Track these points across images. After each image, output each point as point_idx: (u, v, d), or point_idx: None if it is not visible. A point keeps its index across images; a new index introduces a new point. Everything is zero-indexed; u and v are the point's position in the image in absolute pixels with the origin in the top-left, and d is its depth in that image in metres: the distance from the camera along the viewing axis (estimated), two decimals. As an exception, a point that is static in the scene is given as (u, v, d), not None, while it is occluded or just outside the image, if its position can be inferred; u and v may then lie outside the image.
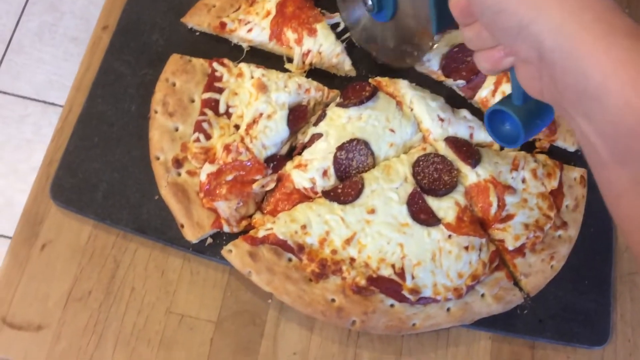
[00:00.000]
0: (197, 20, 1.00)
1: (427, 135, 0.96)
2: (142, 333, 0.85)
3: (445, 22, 0.76)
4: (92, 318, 0.85)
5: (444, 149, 0.94)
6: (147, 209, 0.88)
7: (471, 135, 0.96)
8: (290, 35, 0.99)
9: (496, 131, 0.75)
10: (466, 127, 0.96)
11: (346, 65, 1.00)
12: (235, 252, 0.86)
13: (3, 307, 0.84)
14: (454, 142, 0.94)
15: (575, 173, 0.97)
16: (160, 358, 0.84)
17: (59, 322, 0.84)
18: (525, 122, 0.69)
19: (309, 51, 0.99)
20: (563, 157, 0.99)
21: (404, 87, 0.97)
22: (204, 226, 0.87)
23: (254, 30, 0.99)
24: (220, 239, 0.88)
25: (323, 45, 0.98)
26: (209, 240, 0.88)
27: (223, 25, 0.99)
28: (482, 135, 0.96)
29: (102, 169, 0.90)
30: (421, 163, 0.92)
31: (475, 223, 0.90)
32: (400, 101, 0.97)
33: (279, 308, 0.88)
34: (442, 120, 0.95)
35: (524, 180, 0.93)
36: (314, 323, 0.88)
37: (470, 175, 0.91)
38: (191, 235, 0.87)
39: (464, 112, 0.97)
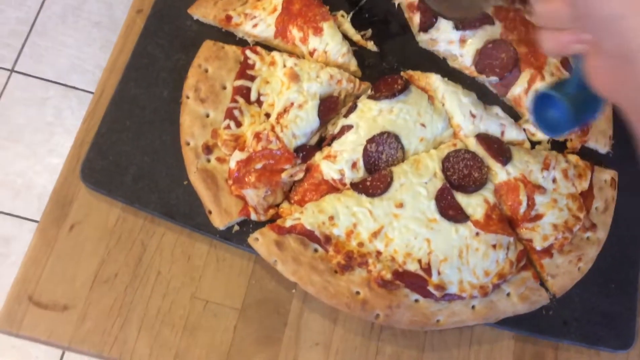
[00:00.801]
0: (203, 12, 0.99)
1: (457, 131, 0.95)
2: (167, 317, 0.85)
3: None
4: (118, 300, 0.85)
5: (474, 146, 0.93)
6: (176, 194, 0.89)
7: (502, 133, 0.95)
8: (295, 33, 0.97)
9: (540, 116, 0.71)
10: (498, 124, 0.95)
11: (352, 66, 0.99)
12: (261, 241, 0.86)
13: (30, 286, 0.84)
14: (484, 139, 0.93)
15: (606, 175, 0.96)
16: (183, 342, 0.84)
17: (84, 303, 0.84)
18: (575, 111, 0.66)
19: (314, 50, 0.98)
20: (594, 159, 0.97)
21: (436, 82, 0.96)
22: (231, 213, 0.87)
23: (259, 25, 0.98)
24: (247, 227, 0.88)
25: (329, 44, 0.97)
26: (236, 228, 0.88)
27: (229, 18, 0.98)
28: (513, 133, 0.95)
29: (133, 153, 0.90)
30: (451, 159, 0.91)
31: (504, 221, 0.90)
32: (432, 96, 0.96)
33: (303, 298, 0.88)
34: (473, 116, 0.94)
35: (554, 180, 0.92)
36: (338, 315, 0.88)
37: (501, 174, 0.91)
38: (219, 221, 0.87)
39: (496, 109, 0.96)
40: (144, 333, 0.84)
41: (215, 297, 0.87)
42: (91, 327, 0.83)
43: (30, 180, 2.30)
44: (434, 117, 0.94)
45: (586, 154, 0.98)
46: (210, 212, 0.87)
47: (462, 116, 0.94)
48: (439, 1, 0.92)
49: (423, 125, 0.93)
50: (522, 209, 0.90)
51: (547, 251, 0.90)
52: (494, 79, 0.99)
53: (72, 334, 0.83)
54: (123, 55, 0.96)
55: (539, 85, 0.95)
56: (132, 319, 0.84)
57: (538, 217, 0.90)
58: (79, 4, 2.57)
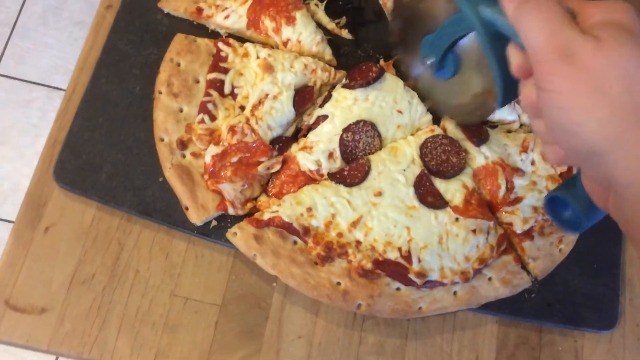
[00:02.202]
0: (174, 5, 0.97)
1: None
2: (147, 316, 0.84)
3: (512, 95, 0.67)
4: (96, 301, 0.84)
5: (453, 129, 0.92)
6: (152, 191, 0.88)
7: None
8: (268, 23, 0.96)
9: (557, 217, 0.69)
10: None
11: (326, 55, 0.97)
12: (240, 235, 0.85)
13: (6, 290, 0.83)
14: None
15: None
16: (164, 341, 0.83)
17: (62, 305, 0.83)
18: (587, 210, 0.64)
19: (288, 40, 0.96)
20: None
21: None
22: (208, 208, 0.86)
23: (230, 17, 0.96)
24: (225, 221, 0.87)
25: (303, 33, 0.95)
26: (214, 223, 0.87)
27: (200, 10, 0.96)
28: (504, 112, 0.95)
29: (106, 151, 0.89)
30: (429, 144, 0.90)
31: (483, 206, 0.89)
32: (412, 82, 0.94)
33: (284, 291, 0.87)
34: None
35: (533, 163, 0.91)
36: (320, 307, 0.87)
37: (478, 157, 0.90)
38: (196, 217, 0.86)
39: None
40: (124, 333, 0.83)
41: (195, 293, 0.86)
42: (70, 329, 0.83)
43: (18, 183, 2.28)
44: (412, 103, 0.93)
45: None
46: (187, 208, 0.87)
47: None
48: (445, 109, 0.92)
49: (400, 112, 0.93)
50: (502, 192, 0.89)
51: (528, 234, 0.89)
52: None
53: (50, 337, 0.82)
54: (93, 52, 0.95)
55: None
56: (111, 319, 0.84)
57: (517, 200, 0.90)
58: (59, 3, 2.54)
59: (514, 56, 0.58)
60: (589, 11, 0.51)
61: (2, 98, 2.43)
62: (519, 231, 0.89)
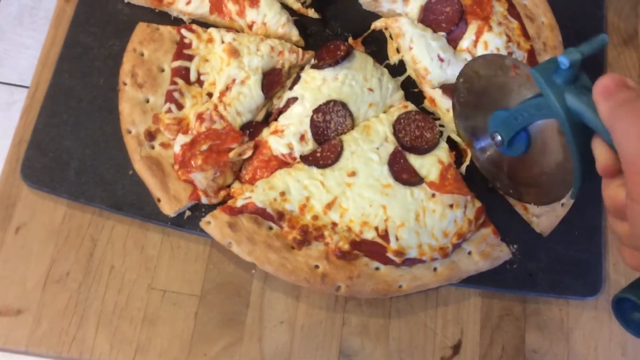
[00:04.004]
0: None
1: (424, 75, 0.93)
2: (124, 311, 0.83)
3: (589, 184, 0.64)
4: (72, 299, 0.83)
5: (439, 96, 0.91)
6: (122, 185, 0.86)
7: None
8: (231, 6, 0.93)
9: (626, 321, 0.63)
10: None
11: (293, 36, 0.96)
12: (214, 224, 0.84)
13: (-19, 293, 0.82)
14: (449, 88, 0.91)
15: None
16: (144, 335, 0.82)
17: (38, 304, 0.82)
18: None
19: (253, 22, 0.94)
20: None
21: (404, 25, 0.93)
22: (181, 199, 0.85)
23: (192, 2, 0.94)
24: (199, 211, 0.86)
25: (267, 15, 0.93)
26: (188, 214, 0.86)
27: None
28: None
29: (73, 147, 0.87)
30: (402, 121, 0.89)
31: (459, 180, 0.88)
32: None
33: (264, 278, 0.86)
34: (441, 60, 0.92)
35: None
36: (300, 291, 0.86)
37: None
38: (168, 209, 0.85)
39: (465, 55, 0.93)
40: (103, 329, 0.82)
41: (172, 285, 0.85)
42: (47, 329, 0.81)
43: (4, 187, 2.26)
44: (382, 80, 0.91)
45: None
46: (159, 200, 0.85)
47: (430, 60, 0.92)
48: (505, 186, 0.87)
49: (371, 89, 0.91)
50: None
51: None
52: (441, 34, 0.96)
53: (28, 338, 0.81)
54: (55, 47, 0.93)
55: (487, 36, 0.92)
56: (88, 316, 0.82)
57: None
58: (34, 3, 2.50)
59: (601, 155, 0.57)
60: None
61: (-18, 102, 2.40)
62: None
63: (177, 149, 0.86)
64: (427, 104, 0.95)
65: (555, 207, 0.89)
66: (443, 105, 0.92)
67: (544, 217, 0.89)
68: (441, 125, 0.92)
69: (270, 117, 0.92)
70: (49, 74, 0.91)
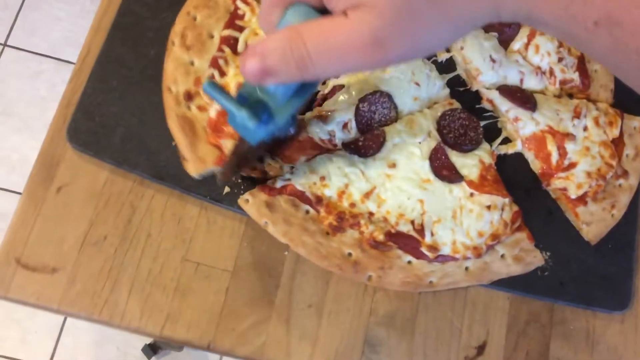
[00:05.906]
0: None
1: (475, 75, 0.93)
2: (158, 279, 0.84)
3: None
4: (107, 263, 0.84)
5: (498, 98, 0.92)
6: (165, 155, 0.87)
7: (521, 81, 0.93)
8: None
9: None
10: (517, 71, 0.93)
11: None
12: (252, 202, 0.84)
13: (18, 249, 0.83)
14: (507, 90, 0.91)
15: (635, 122, 0.95)
16: (175, 304, 0.83)
17: (74, 265, 0.83)
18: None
19: None
20: (622, 107, 0.96)
21: None
22: (206, 161, 0.85)
23: None
24: (238, 188, 0.87)
25: None
26: (227, 189, 0.87)
27: None
28: (532, 81, 0.93)
29: (120, 113, 0.88)
30: (447, 117, 0.89)
31: (499, 182, 0.88)
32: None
33: (295, 260, 0.87)
34: (493, 61, 0.92)
35: (585, 129, 0.91)
36: (330, 277, 0.87)
37: (529, 124, 0.90)
38: (192, 169, 0.85)
39: (517, 56, 0.94)
40: (135, 295, 0.83)
41: (206, 259, 0.86)
42: (80, 290, 0.82)
43: (26, 155, 2.29)
44: (430, 76, 0.92)
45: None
46: (184, 159, 0.85)
47: (481, 60, 0.92)
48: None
49: (417, 84, 0.91)
50: (554, 158, 0.89)
51: (582, 199, 0.89)
52: (493, 34, 0.96)
53: (61, 297, 0.82)
54: (109, 14, 0.94)
55: (539, 39, 0.93)
56: (122, 281, 0.83)
57: (572, 165, 0.89)
58: (71, -24, 2.53)
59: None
60: None
61: (10, 69, 2.42)
62: (573, 196, 0.89)
63: (212, 113, 0.87)
64: (485, 103, 0.95)
65: (606, 217, 0.90)
66: (502, 107, 0.92)
67: (594, 226, 0.89)
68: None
69: (313, 103, 0.92)
70: (101, 40, 0.92)
